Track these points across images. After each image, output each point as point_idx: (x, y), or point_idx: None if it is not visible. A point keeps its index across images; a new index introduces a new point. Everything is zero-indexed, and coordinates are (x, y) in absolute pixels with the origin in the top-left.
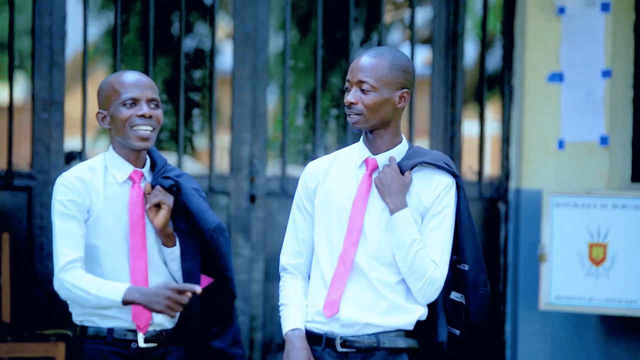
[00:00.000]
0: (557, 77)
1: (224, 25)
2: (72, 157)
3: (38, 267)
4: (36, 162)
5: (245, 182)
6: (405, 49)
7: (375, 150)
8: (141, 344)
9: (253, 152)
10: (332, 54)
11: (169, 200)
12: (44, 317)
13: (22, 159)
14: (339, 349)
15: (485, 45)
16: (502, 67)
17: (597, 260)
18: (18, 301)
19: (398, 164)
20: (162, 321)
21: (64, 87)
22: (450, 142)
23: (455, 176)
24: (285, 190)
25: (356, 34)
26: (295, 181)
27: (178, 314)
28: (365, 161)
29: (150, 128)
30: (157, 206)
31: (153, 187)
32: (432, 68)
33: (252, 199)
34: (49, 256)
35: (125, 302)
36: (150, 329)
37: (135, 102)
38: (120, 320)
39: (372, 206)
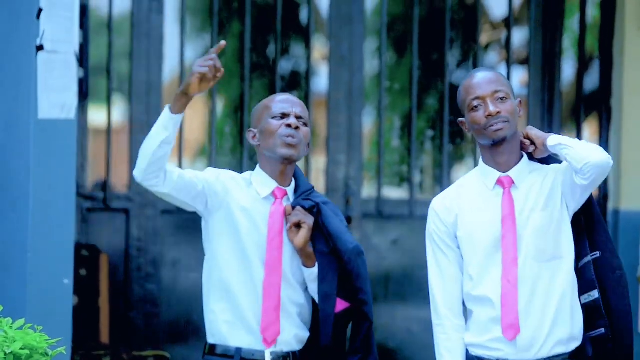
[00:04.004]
0: None
1: (319, 46)
2: None
3: (135, 288)
4: (134, 184)
5: (341, 203)
6: (502, 70)
7: (504, 168)
8: None
9: (349, 174)
10: (427, 75)
11: (309, 220)
12: (141, 338)
13: (120, 181)
14: None
15: (582, 65)
16: (599, 87)
17: None
18: (116, 322)
19: None
20: (291, 342)
21: (160, 110)
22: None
23: None
24: (380, 212)
25: (452, 55)
26: (391, 203)
27: (307, 336)
28: (499, 181)
29: (296, 140)
30: (298, 226)
31: (294, 208)
32: (528, 89)
33: (348, 220)
34: (146, 277)
35: (175, 109)
36: (277, 349)
37: (284, 116)
38: (249, 335)
39: (520, 216)
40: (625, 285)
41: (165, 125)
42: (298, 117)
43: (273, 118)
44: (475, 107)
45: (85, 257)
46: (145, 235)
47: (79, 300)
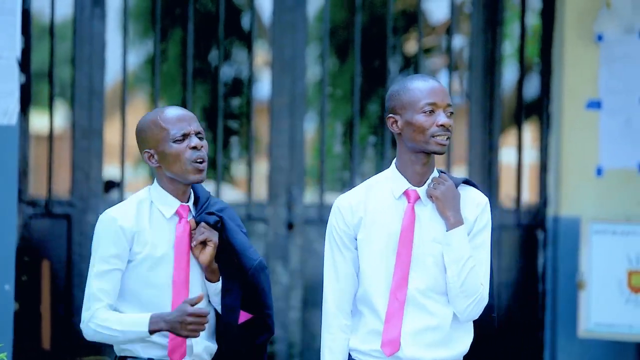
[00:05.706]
0: (595, 104)
1: (262, 53)
2: (112, 186)
3: (77, 294)
4: (76, 190)
5: (283, 209)
6: (443, 76)
7: (415, 181)
8: None
9: (291, 180)
10: (369, 81)
11: (214, 237)
12: (83, 345)
13: (62, 187)
14: None
15: (523, 72)
16: (540, 94)
17: (637, 288)
18: (58, 328)
19: None
20: (201, 354)
21: (103, 116)
22: (488, 169)
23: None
24: (323, 218)
25: (394, 62)
26: None
27: (216, 348)
28: (406, 193)
29: (205, 164)
30: (203, 243)
31: (198, 222)
32: (469, 95)
33: (290, 226)
34: None
35: (152, 332)
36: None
37: (185, 136)
38: (161, 347)
39: (418, 237)
40: (495, 326)
41: (143, 339)
42: (197, 133)
43: (175, 142)
44: (429, 111)
45: (27, 263)
46: (87, 241)
47: (20, 306)
